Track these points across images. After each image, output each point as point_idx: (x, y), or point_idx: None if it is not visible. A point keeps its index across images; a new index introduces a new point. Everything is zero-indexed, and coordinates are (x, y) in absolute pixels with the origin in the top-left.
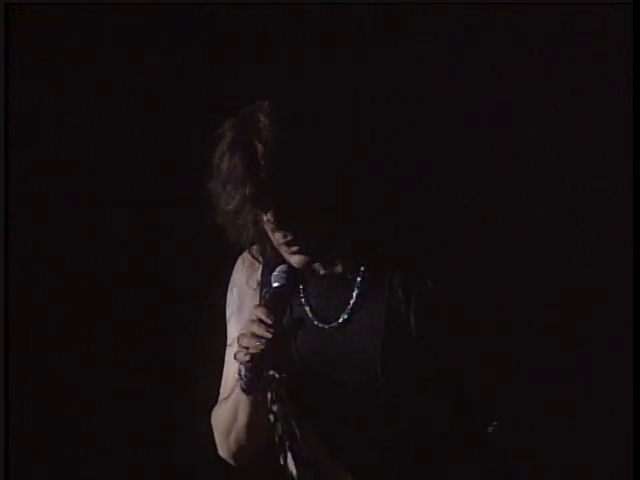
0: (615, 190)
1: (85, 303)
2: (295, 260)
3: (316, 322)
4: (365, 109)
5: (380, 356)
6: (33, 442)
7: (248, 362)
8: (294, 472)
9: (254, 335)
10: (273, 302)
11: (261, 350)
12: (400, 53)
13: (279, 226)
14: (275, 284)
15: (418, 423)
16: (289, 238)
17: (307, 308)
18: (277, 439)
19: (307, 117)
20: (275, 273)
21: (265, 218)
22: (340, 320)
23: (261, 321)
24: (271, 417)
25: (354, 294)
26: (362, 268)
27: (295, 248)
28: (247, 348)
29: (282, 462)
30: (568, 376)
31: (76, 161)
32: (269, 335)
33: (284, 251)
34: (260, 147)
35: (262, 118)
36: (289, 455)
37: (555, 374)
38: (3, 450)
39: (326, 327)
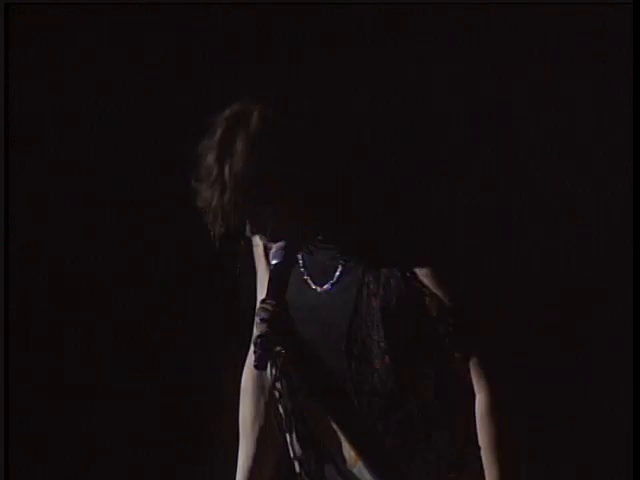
0: (615, 190)
1: (85, 303)
2: None
3: (314, 286)
4: (365, 109)
5: (347, 325)
6: (33, 442)
7: (258, 338)
8: (297, 451)
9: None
10: (274, 278)
11: (267, 321)
12: (400, 53)
13: (251, 234)
14: (274, 261)
15: (408, 391)
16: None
17: (306, 274)
18: (283, 416)
19: (296, 121)
20: (273, 250)
21: None
22: (330, 284)
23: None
24: (276, 393)
25: (339, 266)
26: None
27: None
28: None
29: (288, 440)
30: (568, 376)
31: (76, 161)
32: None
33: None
34: (240, 150)
35: (254, 118)
36: (291, 434)
37: (555, 374)
38: (3, 450)
39: (320, 289)
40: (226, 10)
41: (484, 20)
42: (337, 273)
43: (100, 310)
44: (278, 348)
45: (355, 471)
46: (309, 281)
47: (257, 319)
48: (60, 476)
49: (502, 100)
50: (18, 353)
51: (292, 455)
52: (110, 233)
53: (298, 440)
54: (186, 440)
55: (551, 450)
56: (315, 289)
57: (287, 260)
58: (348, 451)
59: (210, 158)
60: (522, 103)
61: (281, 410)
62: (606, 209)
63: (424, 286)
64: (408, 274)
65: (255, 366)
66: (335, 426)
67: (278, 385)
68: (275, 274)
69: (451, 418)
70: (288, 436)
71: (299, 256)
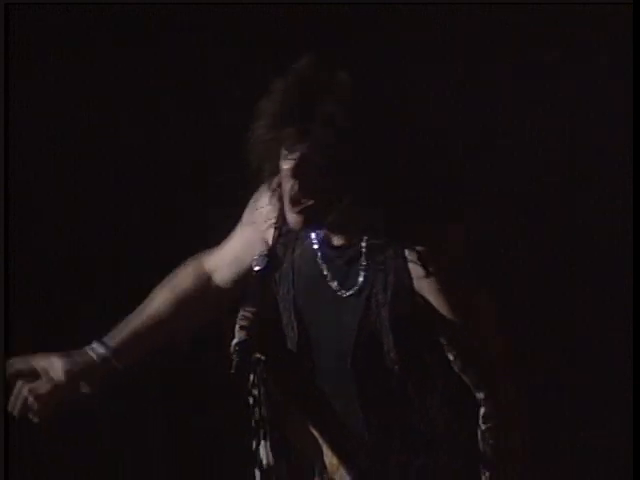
0: (615, 190)
1: (85, 303)
2: (292, 219)
3: (335, 288)
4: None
5: (357, 332)
6: (33, 442)
7: (236, 345)
8: (265, 460)
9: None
10: (256, 284)
11: (246, 328)
12: (400, 53)
13: (294, 174)
14: (257, 267)
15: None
16: (295, 191)
17: (329, 277)
18: (253, 424)
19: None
20: (255, 257)
21: (285, 165)
22: (355, 288)
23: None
24: (250, 400)
25: (363, 264)
26: (365, 240)
27: (297, 208)
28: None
29: (253, 447)
30: (568, 376)
31: (76, 161)
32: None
33: (287, 207)
34: (331, 102)
35: (331, 76)
36: (265, 442)
37: (555, 374)
38: (3, 450)
39: (340, 293)
40: (226, 10)
41: (484, 20)
42: (360, 279)
43: (100, 310)
44: (257, 355)
45: (336, 478)
46: (330, 283)
47: (237, 326)
48: (60, 476)
49: (502, 100)
50: (18, 353)
51: (263, 463)
52: (110, 233)
53: (272, 448)
54: (187, 440)
55: (551, 450)
56: (336, 292)
57: (269, 267)
58: (330, 458)
59: (290, 96)
60: (522, 103)
61: (257, 416)
62: (606, 209)
63: (428, 302)
64: (416, 287)
65: (232, 373)
66: (316, 433)
67: (255, 392)
68: (257, 281)
69: (454, 427)
70: (255, 443)
71: (319, 256)
